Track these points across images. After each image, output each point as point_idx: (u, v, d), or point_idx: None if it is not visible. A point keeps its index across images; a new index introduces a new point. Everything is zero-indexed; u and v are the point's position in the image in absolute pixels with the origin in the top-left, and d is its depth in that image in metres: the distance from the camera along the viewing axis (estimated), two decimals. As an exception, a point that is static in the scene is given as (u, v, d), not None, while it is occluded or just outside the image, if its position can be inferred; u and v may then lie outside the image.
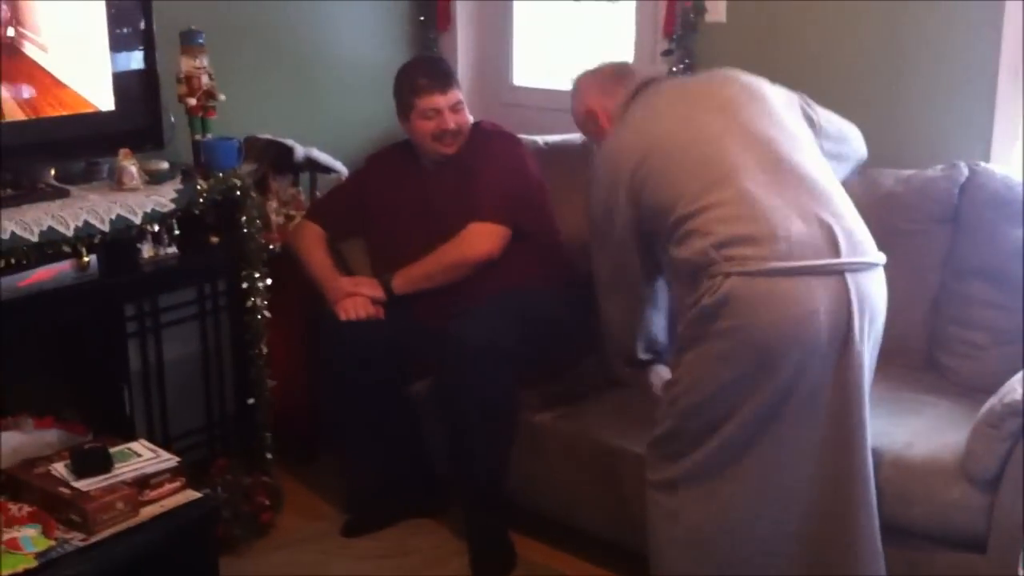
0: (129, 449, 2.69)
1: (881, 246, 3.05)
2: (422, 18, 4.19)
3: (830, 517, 2.39)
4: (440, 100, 3.26)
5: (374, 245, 3.46)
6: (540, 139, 3.65)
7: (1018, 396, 2.34)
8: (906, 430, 2.64)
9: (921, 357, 3.02)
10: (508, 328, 3.00)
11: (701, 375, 2.39)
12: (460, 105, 3.30)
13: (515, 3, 4.23)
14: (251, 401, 3.26)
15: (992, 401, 2.42)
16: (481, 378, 2.97)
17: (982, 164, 3.04)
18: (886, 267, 3.04)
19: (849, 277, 2.36)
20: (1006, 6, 3.06)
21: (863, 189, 3.13)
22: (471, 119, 3.36)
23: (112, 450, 2.65)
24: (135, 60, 3.08)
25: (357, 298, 3.22)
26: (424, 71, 3.34)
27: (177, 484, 2.66)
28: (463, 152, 3.32)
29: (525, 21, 4.22)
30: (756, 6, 3.48)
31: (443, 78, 3.30)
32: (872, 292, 2.41)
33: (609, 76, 2.88)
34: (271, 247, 3.34)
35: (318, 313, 3.32)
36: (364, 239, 3.49)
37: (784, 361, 2.30)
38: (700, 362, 2.39)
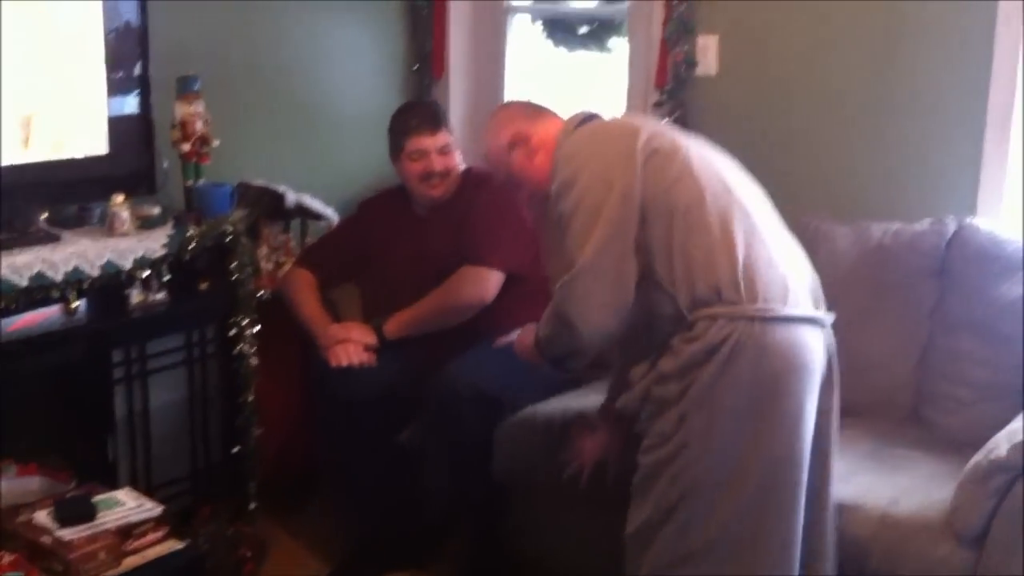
0: (113, 497, 2.67)
1: (870, 298, 3.09)
2: (416, 66, 4.22)
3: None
4: (428, 142, 3.29)
5: (367, 291, 3.47)
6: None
7: (1003, 453, 2.34)
8: (892, 486, 2.63)
9: (908, 411, 3.02)
10: (499, 372, 3.01)
11: (713, 433, 2.29)
12: (449, 148, 3.33)
13: (508, 52, 4.27)
14: (236, 449, 3.24)
15: (977, 457, 2.41)
16: (471, 423, 2.97)
17: (968, 219, 3.06)
18: (875, 319, 3.08)
19: (828, 330, 2.43)
20: (993, 61, 3.09)
21: (851, 241, 3.16)
22: (460, 163, 3.38)
23: (96, 498, 2.64)
24: (130, 105, 3.10)
25: (348, 344, 3.21)
26: (415, 113, 3.38)
27: (160, 533, 2.64)
28: (456, 198, 3.34)
29: (518, 70, 4.26)
30: (747, 60, 3.52)
31: (432, 120, 3.33)
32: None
33: (530, 106, 2.76)
34: (260, 293, 3.34)
35: (310, 360, 3.32)
36: (356, 285, 3.50)
37: (794, 407, 2.31)
38: (713, 417, 2.29)
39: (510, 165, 2.64)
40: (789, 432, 2.31)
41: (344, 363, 3.17)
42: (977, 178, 3.15)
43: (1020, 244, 2.93)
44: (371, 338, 3.22)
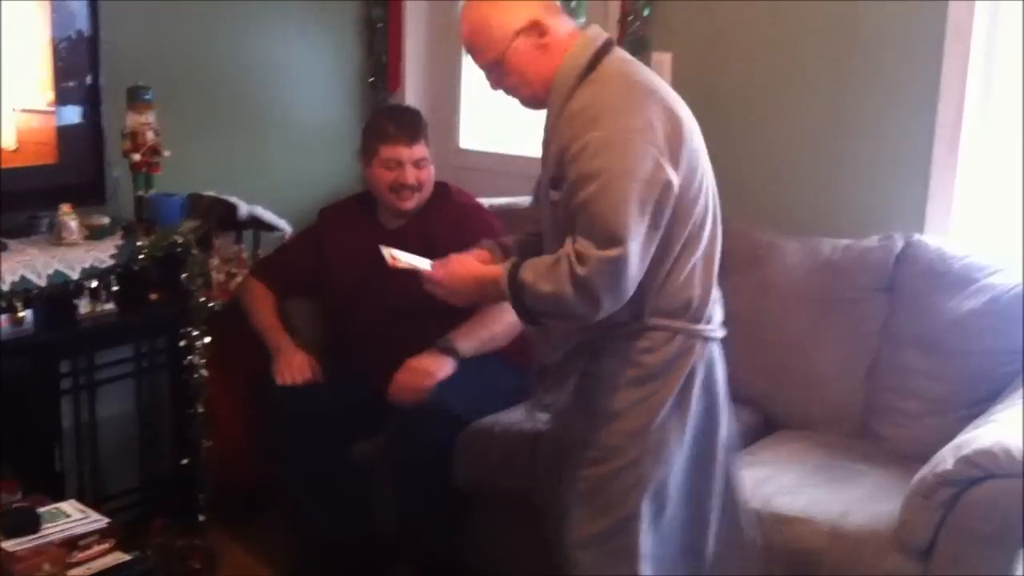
0: (59, 509, 2.64)
1: (819, 313, 3.13)
2: (372, 79, 4.21)
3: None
4: (404, 152, 3.21)
5: (326, 301, 3.42)
6: (487, 202, 3.67)
7: (949, 466, 2.37)
8: (841, 499, 2.65)
9: (857, 425, 3.05)
10: (460, 392, 3.00)
11: (670, 449, 2.35)
12: (424, 161, 3.25)
13: (464, 66, 4.28)
14: (186, 461, 3.21)
15: (924, 471, 2.44)
16: (432, 441, 2.96)
17: (916, 235, 3.10)
18: (824, 334, 3.11)
19: None
20: (941, 80, 3.13)
21: (801, 256, 3.19)
22: (432, 177, 3.31)
23: (41, 510, 2.60)
24: (80, 114, 3.07)
25: (294, 360, 3.18)
26: (396, 119, 3.29)
27: (106, 546, 2.60)
28: (425, 213, 3.29)
29: (473, 85, 4.26)
30: (700, 77, 3.54)
31: (411, 130, 3.25)
32: None
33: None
34: (212, 304, 3.32)
35: (262, 372, 3.30)
36: (313, 295, 3.46)
37: (726, 424, 2.43)
38: (669, 434, 2.33)
39: (508, 52, 2.31)
40: (726, 450, 2.43)
41: (288, 381, 3.15)
42: (925, 195, 3.19)
43: (968, 260, 2.97)
44: (446, 368, 3.07)
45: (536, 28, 2.31)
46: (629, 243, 2.15)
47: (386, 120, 3.29)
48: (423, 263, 2.45)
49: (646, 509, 2.34)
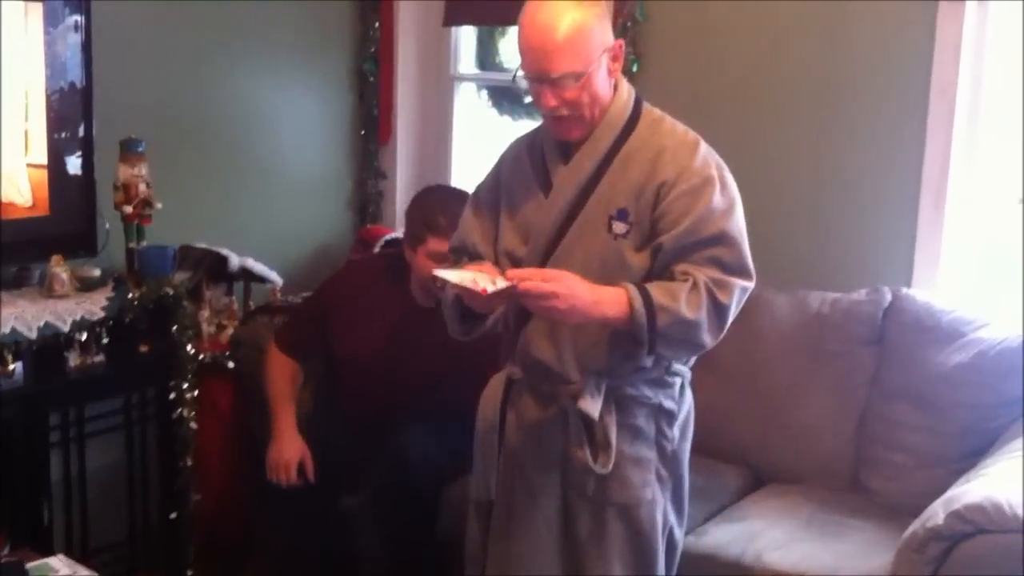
0: (47, 564, 2.61)
1: (808, 366, 3.13)
2: (363, 131, 4.24)
3: None
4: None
5: (338, 356, 3.29)
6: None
7: (940, 520, 2.37)
8: (832, 554, 2.65)
9: (847, 478, 3.05)
10: (447, 440, 2.99)
11: (679, 493, 2.44)
12: None
13: (455, 118, 4.32)
14: (174, 515, 3.19)
15: (915, 525, 2.44)
16: (419, 489, 2.95)
17: (904, 289, 3.12)
18: (814, 387, 3.12)
19: None
20: (927, 138, 3.18)
21: (790, 309, 3.21)
22: None
23: (29, 565, 2.58)
24: (73, 165, 3.08)
25: (286, 454, 3.08)
26: (447, 211, 2.98)
27: (93, 601, 2.59)
28: None
29: (464, 136, 4.30)
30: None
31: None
32: None
33: None
34: (202, 356, 3.31)
35: (250, 423, 3.29)
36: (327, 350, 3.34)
37: None
38: (680, 476, 2.42)
39: (595, 66, 2.21)
40: None
41: (274, 480, 3.08)
42: (913, 249, 3.22)
43: (955, 314, 2.99)
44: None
45: (615, 51, 2.27)
46: (753, 278, 2.23)
47: (438, 210, 3.03)
48: (485, 280, 2.14)
49: (652, 551, 2.37)
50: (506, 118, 4.29)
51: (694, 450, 2.45)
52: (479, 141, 4.31)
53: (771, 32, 3.43)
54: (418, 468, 2.96)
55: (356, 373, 3.22)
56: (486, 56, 4.34)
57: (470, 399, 2.86)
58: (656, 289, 2.17)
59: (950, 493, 2.48)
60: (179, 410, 3.15)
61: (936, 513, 2.41)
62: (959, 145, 3.17)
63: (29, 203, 3.00)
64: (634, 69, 3.63)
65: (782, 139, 3.44)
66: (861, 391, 3.08)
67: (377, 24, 4.15)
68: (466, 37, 4.31)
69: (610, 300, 2.16)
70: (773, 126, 3.45)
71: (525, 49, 2.22)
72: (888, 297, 3.10)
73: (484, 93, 4.40)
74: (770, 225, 3.45)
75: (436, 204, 3.08)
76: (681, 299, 2.15)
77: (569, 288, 2.11)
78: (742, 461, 3.15)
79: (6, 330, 2.72)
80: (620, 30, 3.61)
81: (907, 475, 2.93)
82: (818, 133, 3.37)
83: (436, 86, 4.33)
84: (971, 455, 2.78)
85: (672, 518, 2.40)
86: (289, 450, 3.10)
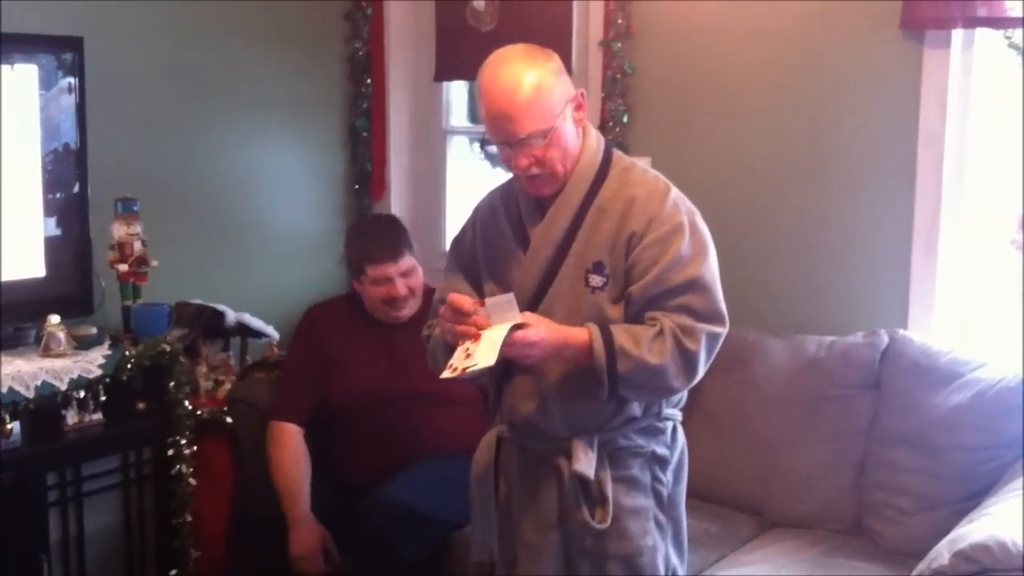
0: (45, 626, 2.59)
1: (807, 411, 3.13)
2: (356, 186, 4.26)
3: None
4: (391, 269, 3.23)
5: (329, 403, 3.32)
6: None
7: (945, 561, 2.35)
8: (838, 598, 2.64)
9: (850, 522, 3.04)
10: (432, 491, 2.98)
11: (680, 537, 2.42)
12: (412, 271, 3.28)
13: (448, 172, 4.34)
14: (173, 573, 3.16)
15: (920, 567, 2.42)
16: (405, 543, 2.94)
17: (900, 331, 3.13)
18: (813, 432, 3.12)
19: None
20: (916, 183, 3.20)
21: (786, 354, 3.21)
22: (422, 280, 3.32)
23: (27, 627, 2.56)
24: (68, 225, 3.09)
25: (308, 555, 3.11)
26: (376, 239, 3.29)
27: (94, 662, 2.56)
28: (421, 312, 3.21)
29: (457, 190, 4.32)
30: (679, 179, 3.52)
31: (395, 247, 3.25)
32: None
33: None
34: (200, 413, 3.30)
35: (246, 480, 3.27)
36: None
37: None
38: (679, 520, 2.41)
39: (559, 120, 2.23)
40: None
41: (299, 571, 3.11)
42: (907, 291, 3.24)
43: (952, 355, 3.00)
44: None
45: (577, 100, 2.30)
46: (726, 323, 2.23)
47: (368, 241, 3.29)
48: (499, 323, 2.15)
49: None
50: (499, 170, 4.30)
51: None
52: (473, 194, 4.31)
53: (760, 85, 3.47)
54: (401, 523, 2.94)
55: (354, 411, 3.25)
56: (477, 109, 4.37)
57: (451, 430, 2.90)
58: (620, 332, 2.19)
59: (954, 534, 2.47)
60: (177, 467, 3.14)
61: (941, 554, 2.40)
62: (949, 189, 3.20)
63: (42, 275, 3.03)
64: (624, 120, 3.67)
65: (774, 188, 3.47)
66: (860, 435, 3.08)
67: (369, 81, 4.18)
68: (457, 91, 4.35)
69: (574, 340, 2.19)
70: (765, 176, 3.48)
71: (488, 117, 2.25)
72: (885, 339, 3.11)
73: (476, 146, 4.43)
74: (764, 271, 3.49)
75: (367, 235, 3.34)
76: (644, 344, 2.17)
77: (540, 334, 2.15)
78: (744, 506, 3.14)
79: (3, 390, 2.71)
80: (609, 83, 3.67)
81: (910, 518, 2.92)
82: (810, 181, 3.40)
83: (428, 140, 4.36)
84: (973, 496, 2.77)
85: (674, 560, 2.39)
86: (311, 539, 3.12)
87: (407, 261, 3.27)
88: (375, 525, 2.98)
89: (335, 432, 3.28)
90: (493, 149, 2.29)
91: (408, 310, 3.28)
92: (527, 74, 2.20)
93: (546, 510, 2.36)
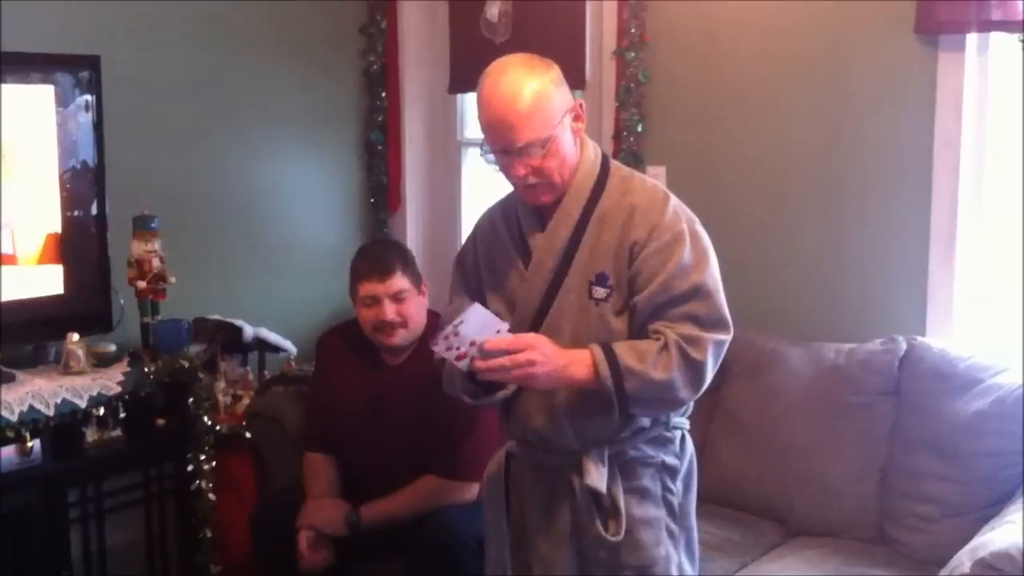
0: (67, 642, 2.61)
1: (828, 418, 3.11)
2: (372, 200, 4.28)
3: None
4: (378, 288, 3.04)
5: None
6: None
7: (966, 570, 2.34)
8: (860, 606, 2.62)
9: (873, 530, 3.02)
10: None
11: (691, 545, 2.41)
12: (404, 295, 3.06)
13: (464, 185, 4.35)
14: (195, 588, 3.19)
15: (942, 575, 2.42)
16: (466, 567, 2.89)
17: (919, 338, 3.11)
18: (835, 439, 3.10)
19: None
20: (933, 188, 3.19)
21: (805, 362, 3.20)
22: (421, 310, 3.13)
23: (50, 643, 2.57)
24: (87, 243, 3.10)
25: (307, 542, 3.04)
26: (368, 255, 3.16)
27: None
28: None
29: (473, 200, 4.32)
30: (695, 189, 3.57)
31: (384, 265, 3.07)
32: None
33: None
34: (218, 428, 3.32)
35: (266, 494, 3.28)
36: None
37: None
38: (691, 529, 2.39)
39: (558, 130, 2.21)
40: None
41: (304, 566, 3.05)
42: (925, 297, 3.22)
43: (971, 361, 2.98)
44: (340, 531, 3.04)
45: (576, 110, 2.27)
46: (730, 331, 2.21)
47: (360, 258, 3.15)
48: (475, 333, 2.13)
49: None
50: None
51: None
52: (489, 205, 4.33)
53: (774, 92, 3.47)
54: (464, 547, 2.87)
55: (344, 441, 3.17)
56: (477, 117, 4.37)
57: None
58: (624, 350, 2.17)
59: (975, 541, 2.46)
60: (197, 482, 3.16)
61: (962, 562, 2.38)
62: (966, 194, 3.18)
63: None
64: (639, 129, 3.67)
65: (791, 196, 3.46)
66: (882, 442, 3.06)
67: (384, 94, 4.20)
68: (471, 103, 4.34)
69: (578, 362, 2.17)
70: (781, 184, 3.47)
71: (487, 125, 2.24)
72: (903, 346, 3.09)
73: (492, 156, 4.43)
74: (782, 278, 3.48)
75: (362, 253, 3.19)
76: (649, 360, 2.15)
77: (544, 355, 2.13)
78: (767, 515, 3.12)
79: (24, 408, 2.73)
80: (624, 92, 3.67)
81: (932, 525, 2.90)
82: (827, 188, 3.39)
83: (443, 152, 4.37)
84: (995, 503, 2.75)
85: (687, 569, 2.37)
86: (335, 509, 3.06)
87: (398, 282, 3.06)
88: (437, 548, 2.91)
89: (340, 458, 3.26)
90: (492, 158, 2.28)
91: (398, 338, 3.10)
92: (527, 83, 2.20)
93: (559, 524, 2.34)
